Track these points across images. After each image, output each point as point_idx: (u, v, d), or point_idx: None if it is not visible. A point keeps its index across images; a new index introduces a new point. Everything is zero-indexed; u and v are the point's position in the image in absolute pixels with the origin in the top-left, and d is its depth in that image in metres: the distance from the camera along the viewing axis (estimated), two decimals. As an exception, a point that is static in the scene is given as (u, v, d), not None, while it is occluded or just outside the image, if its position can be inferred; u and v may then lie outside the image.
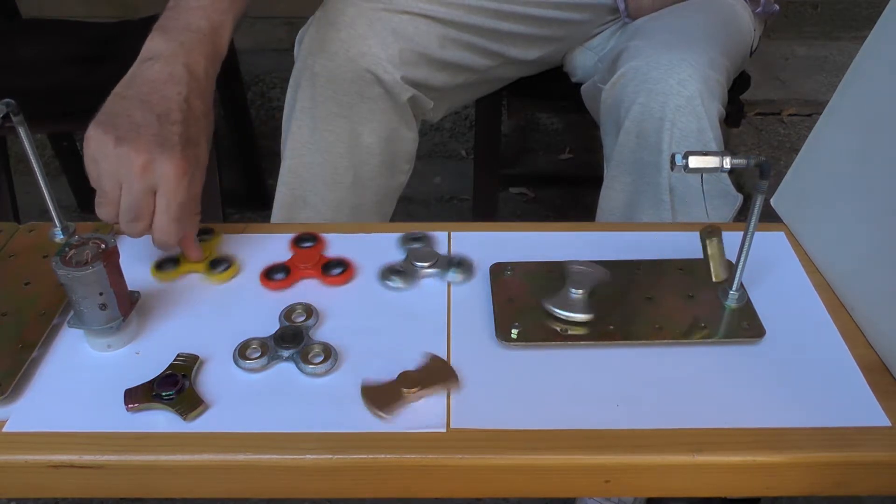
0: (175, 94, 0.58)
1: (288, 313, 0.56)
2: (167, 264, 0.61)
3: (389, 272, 0.60)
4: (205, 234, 0.64)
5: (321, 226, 0.66)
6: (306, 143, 0.92)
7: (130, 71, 0.61)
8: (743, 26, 1.00)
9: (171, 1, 0.66)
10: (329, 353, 0.52)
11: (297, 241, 0.64)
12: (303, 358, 0.52)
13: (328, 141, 0.92)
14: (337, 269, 0.60)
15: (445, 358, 0.52)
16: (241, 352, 0.52)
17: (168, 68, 0.60)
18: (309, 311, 0.56)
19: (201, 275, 0.61)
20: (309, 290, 0.59)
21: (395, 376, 0.50)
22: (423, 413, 0.48)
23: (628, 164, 0.86)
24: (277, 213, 0.96)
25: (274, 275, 0.60)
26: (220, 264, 0.61)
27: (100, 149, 0.56)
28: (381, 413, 0.48)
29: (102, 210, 0.58)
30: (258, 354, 0.52)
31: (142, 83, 0.59)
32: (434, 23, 0.95)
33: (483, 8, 0.98)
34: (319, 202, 0.94)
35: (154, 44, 0.62)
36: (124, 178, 0.55)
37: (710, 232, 0.53)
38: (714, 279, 0.55)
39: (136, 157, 0.55)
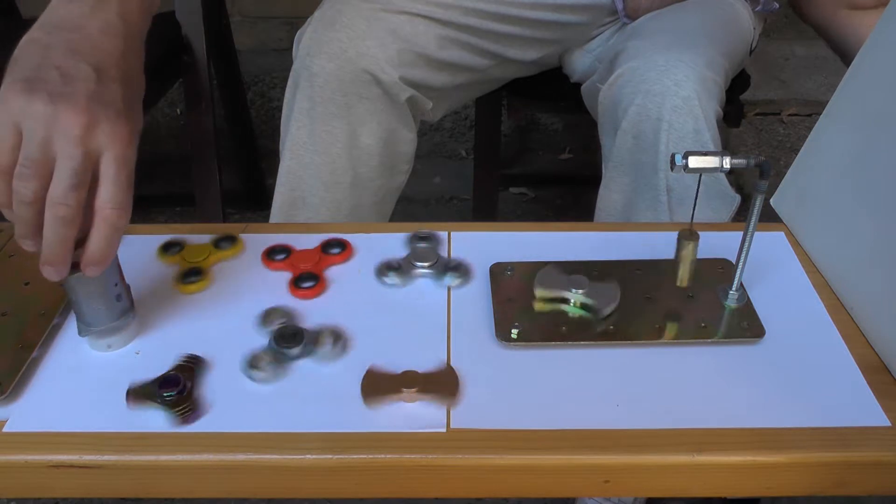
0: (112, 48, 0.49)
1: (267, 320, 0.55)
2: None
3: (386, 268, 0.60)
4: (227, 240, 0.63)
5: (320, 225, 0.66)
6: (305, 144, 0.92)
7: (46, 12, 0.49)
8: (743, 25, 1.00)
9: None
10: (338, 336, 0.53)
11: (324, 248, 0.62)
12: (313, 344, 0.52)
13: (327, 141, 0.92)
14: (308, 283, 0.58)
15: (445, 358, 0.52)
16: (253, 363, 0.52)
17: (101, 15, 0.49)
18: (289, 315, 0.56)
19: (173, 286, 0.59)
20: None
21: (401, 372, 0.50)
22: (423, 413, 0.48)
23: (626, 164, 0.86)
24: (276, 214, 0.96)
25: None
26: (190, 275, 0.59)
27: (24, 108, 0.45)
28: (366, 400, 0.48)
29: (25, 184, 0.45)
30: (269, 365, 0.51)
31: (70, 28, 0.48)
32: (432, 23, 0.95)
33: (481, 10, 0.98)
34: (318, 202, 0.94)
35: None
36: (60, 145, 0.45)
37: (689, 235, 0.53)
38: (679, 284, 0.55)
39: (75, 118, 0.45)
